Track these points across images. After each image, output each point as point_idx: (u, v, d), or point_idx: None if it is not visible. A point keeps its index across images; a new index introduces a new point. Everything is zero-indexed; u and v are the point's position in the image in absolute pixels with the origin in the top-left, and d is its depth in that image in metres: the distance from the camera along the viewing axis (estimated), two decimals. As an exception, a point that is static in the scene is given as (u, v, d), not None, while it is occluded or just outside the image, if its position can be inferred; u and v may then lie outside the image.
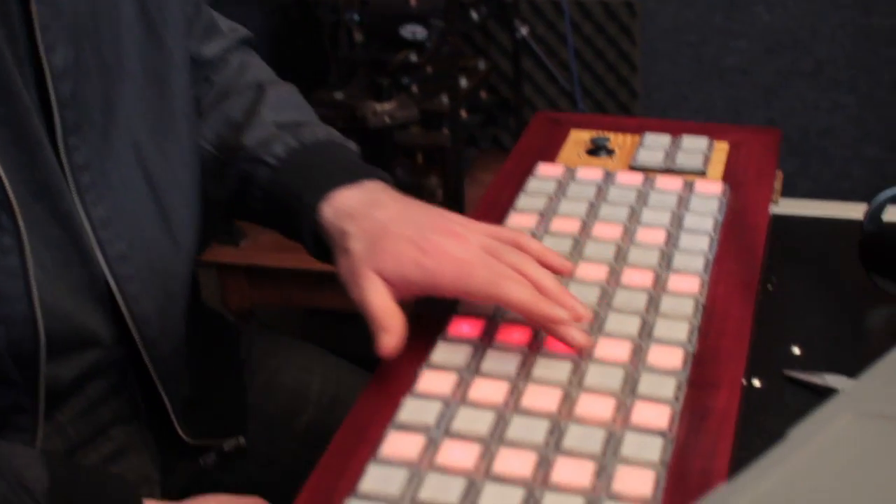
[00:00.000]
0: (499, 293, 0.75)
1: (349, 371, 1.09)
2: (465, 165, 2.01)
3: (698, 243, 0.89)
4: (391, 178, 0.89)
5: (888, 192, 0.96)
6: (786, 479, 0.49)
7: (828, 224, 1.06)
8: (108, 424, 0.91)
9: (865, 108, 2.30)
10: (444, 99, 1.91)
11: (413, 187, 1.88)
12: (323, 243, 0.86)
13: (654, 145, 1.04)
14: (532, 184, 0.98)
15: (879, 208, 0.96)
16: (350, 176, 0.86)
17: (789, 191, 1.06)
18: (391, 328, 0.76)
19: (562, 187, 0.97)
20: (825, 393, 0.87)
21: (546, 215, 0.93)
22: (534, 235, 0.90)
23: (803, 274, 1.01)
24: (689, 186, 0.97)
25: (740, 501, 0.48)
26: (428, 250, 0.77)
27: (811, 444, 0.50)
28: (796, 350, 0.93)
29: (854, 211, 1.04)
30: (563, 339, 0.75)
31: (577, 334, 0.75)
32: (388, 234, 0.79)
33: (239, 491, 1.03)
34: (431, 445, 0.69)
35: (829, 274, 1.02)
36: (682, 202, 0.95)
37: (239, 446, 0.99)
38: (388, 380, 0.76)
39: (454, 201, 1.92)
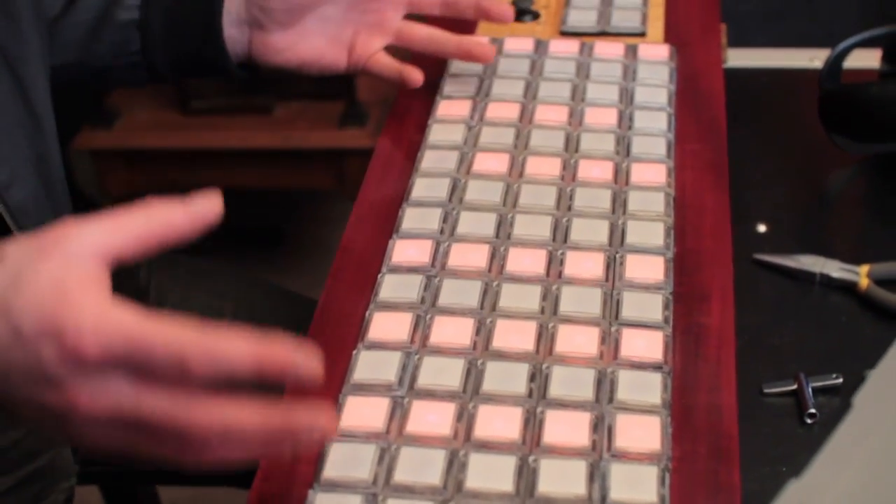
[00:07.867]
0: None
1: (265, 293, 0.96)
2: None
3: (656, 122, 0.79)
4: None
5: (848, 41, 0.87)
6: (867, 469, 0.40)
7: (783, 76, 0.96)
8: None
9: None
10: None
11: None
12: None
13: (584, 4, 0.93)
14: (455, 63, 0.86)
15: (839, 59, 0.87)
16: None
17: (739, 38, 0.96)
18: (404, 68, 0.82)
19: (490, 65, 0.86)
20: (800, 277, 0.79)
21: (479, 100, 0.82)
22: (469, 128, 0.79)
23: (760, 135, 0.92)
24: (631, 52, 0.86)
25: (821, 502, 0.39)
26: None
27: (887, 420, 0.42)
28: (762, 228, 0.85)
29: (816, 58, 0.95)
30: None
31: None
32: None
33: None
34: (398, 408, 0.59)
35: (787, 132, 0.94)
36: (628, 72, 0.84)
37: None
38: (330, 324, 0.66)
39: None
